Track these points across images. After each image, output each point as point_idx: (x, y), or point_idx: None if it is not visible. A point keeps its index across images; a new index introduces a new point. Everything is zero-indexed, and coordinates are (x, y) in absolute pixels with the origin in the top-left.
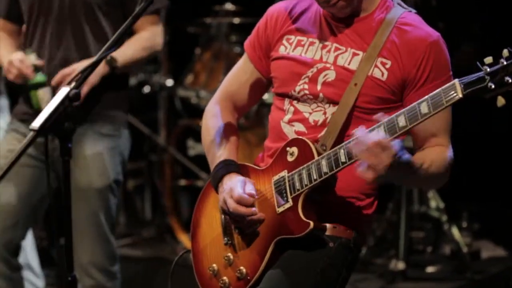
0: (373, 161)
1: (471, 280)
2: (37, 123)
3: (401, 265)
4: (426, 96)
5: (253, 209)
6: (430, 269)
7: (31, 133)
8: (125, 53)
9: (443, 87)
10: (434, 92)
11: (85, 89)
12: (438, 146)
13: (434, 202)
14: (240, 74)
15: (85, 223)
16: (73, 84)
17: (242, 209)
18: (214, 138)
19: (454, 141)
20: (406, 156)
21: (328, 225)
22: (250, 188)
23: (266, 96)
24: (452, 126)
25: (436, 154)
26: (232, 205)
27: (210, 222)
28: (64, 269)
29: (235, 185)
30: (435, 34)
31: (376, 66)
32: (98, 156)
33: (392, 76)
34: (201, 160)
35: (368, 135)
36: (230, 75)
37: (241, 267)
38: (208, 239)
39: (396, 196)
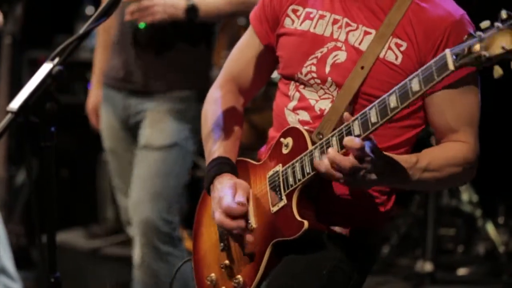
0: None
1: (507, 284)
2: (15, 104)
3: (428, 267)
4: (418, 71)
5: (239, 222)
6: (461, 271)
7: (9, 115)
8: (209, 2)
9: (434, 59)
10: (426, 65)
11: (149, 19)
12: (456, 142)
13: (467, 195)
14: (245, 51)
15: (145, 181)
16: (56, 60)
17: (227, 223)
18: (212, 128)
19: (493, 130)
20: (385, 154)
21: (335, 225)
22: (240, 195)
23: (275, 75)
24: (491, 116)
25: (445, 150)
26: (218, 218)
27: (209, 226)
28: (46, 270)
29: (225, 193)
30: (457, 12)
31: (389, 48)
32: (162, 116)
33: (408, 60)
34: (201, 146)
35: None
36: (234, 53)
37: (238, 276)
38: (207, 245)
39: None
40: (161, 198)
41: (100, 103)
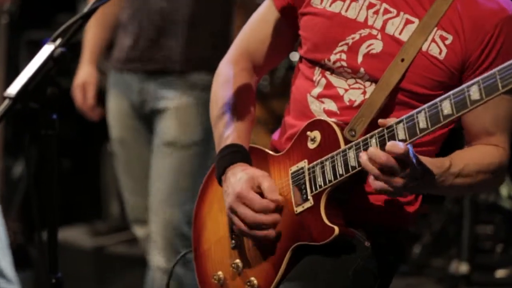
0: (384, 182)
1: None
2: (13, 89)
3: (464, 268)
4: (478, 78)
5: (275, 215)
6: (500, 273)
7: (7, 101)
8: None
9: (499, 67)
10: (488, 73)
11: None
12: (491, 146)
13: (506, 189)
14: (262, 26)
15: (169, 179)
16: (58, 41)
17: (263, 217)
18: (224, 111)
19: None
20: (421, 159)
21: (362, 225)
22: (271, 190)
23: (296, 57)
24: None
25: (481, 156)
26: (247, 215)
27: (216, 217)
28: (46, 270)
29: (244, 188)
30: (511, 7)
31: (433, 40)
32: (186, 108)
33: (452, 54)
34: None
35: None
36: (249, 27)
37: (252, 278)
38: (213, 239)
39: None
40: (188, 199)
41: (89, 82)
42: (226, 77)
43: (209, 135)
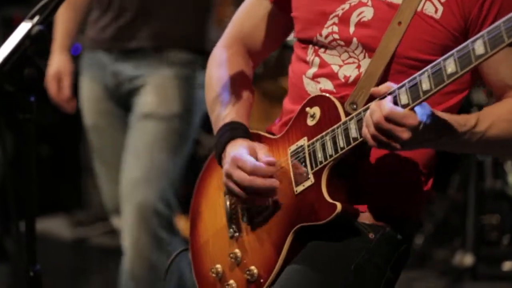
0: (384, 141)
1: None
2: None
3: (468, 260)
4: (482, 32)
5: (272, 180)
6: (507, 266)
7: None
8: None
9: (505, 18)
10: (493, 25)
11: None
12: None
13: None
14: (254, 9)
15: (144, 155)
16: (36, 18)
17: (259, 181)
18: (220, 93)
19: None
20: (440, 117)
21: (366, 212)
22: (265, 154)
23: (290, 37)
24: None
25: (508, 110)
26: (241, 176)
27: (214, 208)
28: (24, 262)
29: (240, 152)
30: None
31: None
32: (165, 82)
33: (449, 13)
34: (202, 119)
35: (380, 105)
36: (242, 11)
37: (252, 267)
38: (211, 232)
39: (462, 168)
40: (163, 176)
41: (64, 71)
42: (219, 60)
43: (189, 112)
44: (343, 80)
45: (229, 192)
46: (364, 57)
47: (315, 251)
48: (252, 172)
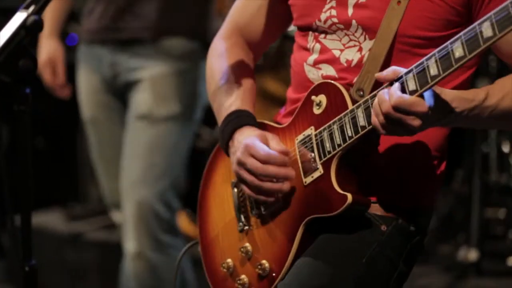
0: (394, 129)
1: None
2: None
3: (473, 255)
4: (489, 13)
5: (288, 169)
6: None
7: None
8: None
9: None
10: (500, 6)
11: None
12: None
13: None
14: (252, 0)
15: (143, 156)
16: (31, 8)
17: (272, 169)
18: (222, 83)
19: None
20: (447, 96)
21: (377, 203)
22: (278, 143)
23: (291, 27)
24: None
25: None
26: (255, 164)
27: (221, 201)
28: (20, 257)
29: (252, 140)
30: None
31: None
32: (163, 79)
33: None
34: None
35: (388, 94)
36: (239, 1)
37: (263, 261)
38: (220, 225)
39: (466, 160)
40: (163, 177)
41: (56, 57)
42: (219, 51)
43: (188, 109)
44: (345, 65)
45: (241, 181)
46: (365, 39)
47: (326, 244)
48: (266, 161)
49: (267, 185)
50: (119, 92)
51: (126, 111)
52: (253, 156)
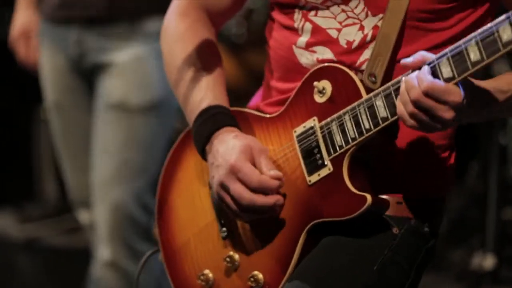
0: (426, 120)
1: None
2: None
3: (489, 262)
4: None
5: (276, 197)
6: None
7: None
8: None
9: None
10: None
11: None
12: None
13: None
14: None
15: (117, 152)
16: None
17: (261, 200)
18: (186, 72)
19: None
20: (481, 89)
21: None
22: (267, 164)
23: None
24: None
25: None
26: (241, 193)
27: (191, 201)
28: None
29: (239, 159)
30: None
31: None
32: (139, 62)
33: None
34: None
35: (417, 79)
36: None
37: (255, 272)
38: (192, 230)
39: (482, 154)
40: (139, 175)
41: (32, 29)
42: (178, 32)
43: (167, 97)
44: (345, 46)
45: (221, 202)
46: (366, 16)
47: (332, 250)
48: (256, 189)
49: (250, 215)
50: (86, 74)
51: (95, 97)
52: (241, 181)
